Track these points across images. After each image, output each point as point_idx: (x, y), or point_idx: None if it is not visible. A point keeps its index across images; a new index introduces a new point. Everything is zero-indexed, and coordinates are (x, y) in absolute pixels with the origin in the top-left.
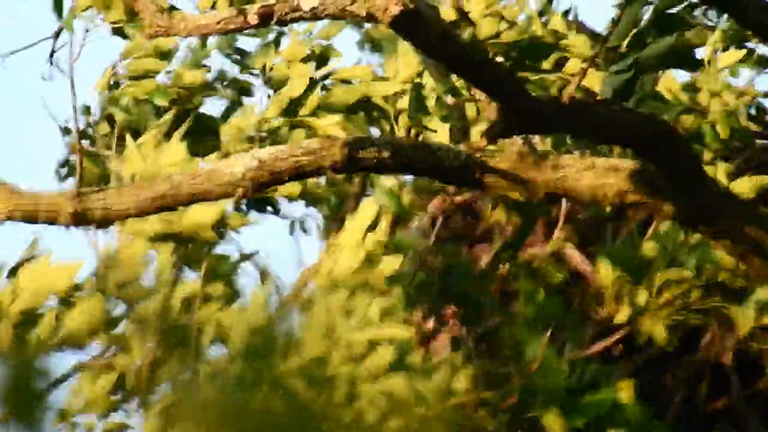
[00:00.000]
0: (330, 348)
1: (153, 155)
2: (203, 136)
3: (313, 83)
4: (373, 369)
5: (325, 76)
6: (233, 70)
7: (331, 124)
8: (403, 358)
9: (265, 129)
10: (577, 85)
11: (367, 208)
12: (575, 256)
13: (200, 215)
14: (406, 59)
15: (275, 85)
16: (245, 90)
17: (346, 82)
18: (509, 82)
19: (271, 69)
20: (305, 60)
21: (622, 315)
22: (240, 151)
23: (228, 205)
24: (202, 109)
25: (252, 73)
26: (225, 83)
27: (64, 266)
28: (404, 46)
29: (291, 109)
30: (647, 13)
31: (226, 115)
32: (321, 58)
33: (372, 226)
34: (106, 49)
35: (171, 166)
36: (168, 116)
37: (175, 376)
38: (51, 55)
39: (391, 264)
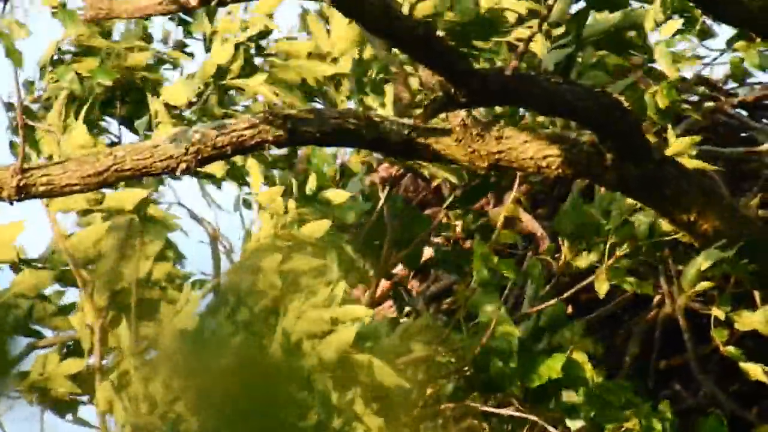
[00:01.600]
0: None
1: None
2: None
3: (238, 47)
4: (334, 346)
5: (252, 39)
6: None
7: (258, 83)
8: (364, 336)
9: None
10: (520, 58)
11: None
12: (528, 219)
13: (125, 196)
14: (344, 32)
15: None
16: (188, 54)
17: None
18: (452, 56)
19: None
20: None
21: (579, 263)
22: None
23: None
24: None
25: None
26: (169, 44)
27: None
28: (341, 19)
29: (219, 75)
30: None
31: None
32: (259, 33)
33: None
34: (50, 26)
35: (78, 148)
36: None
37: (131, 339)
38: None
39: (318, 227)
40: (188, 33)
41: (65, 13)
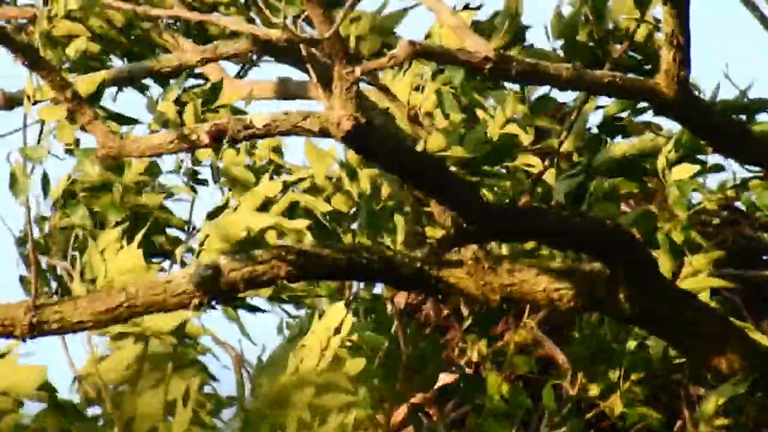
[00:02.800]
0: None
1: (111, 261)
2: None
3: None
4: None
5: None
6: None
7: (300, 227)
8: None
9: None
10: (531, 192)
11: (336, 312)
12: (548, 344)
13: (161, 320)
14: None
15: (228, 183)
16: (202, 180)
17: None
18: (464, 191)
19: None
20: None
21: (593, 391)
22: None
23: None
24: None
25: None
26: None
27: (30, 369)
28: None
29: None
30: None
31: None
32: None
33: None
34: (61, 162)
35: (127, 273)
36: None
37: None
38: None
39: (355, 365)
40: (197, 161)
41: (81, 152)
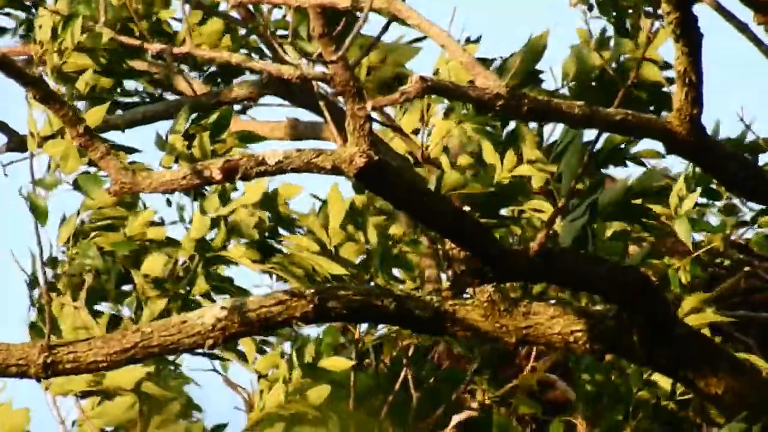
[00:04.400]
0: None
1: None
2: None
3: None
4: None
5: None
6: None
7: (240, 254)
8: None
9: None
10: (546, 236)
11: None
12: (561, 385)
13: (123, 376)
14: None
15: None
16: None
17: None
18: (478, 232)
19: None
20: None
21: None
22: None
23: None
24: None
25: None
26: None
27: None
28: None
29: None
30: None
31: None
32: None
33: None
34: (68, 199)
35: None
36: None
37: None
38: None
39: (319, 393)
40: (203, 212)
41: (88, 180)
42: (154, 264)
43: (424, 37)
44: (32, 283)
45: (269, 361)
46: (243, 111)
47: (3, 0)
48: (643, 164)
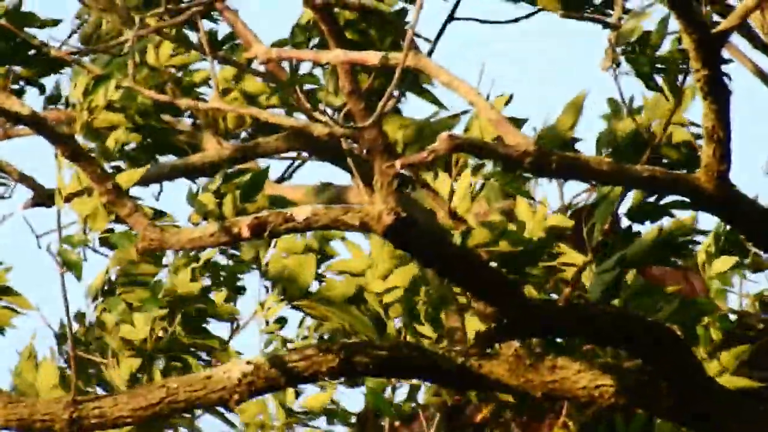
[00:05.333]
0: None
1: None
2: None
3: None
4: None
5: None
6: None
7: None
8: None
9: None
10: (572, 290)
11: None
12: None
13: None
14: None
15: (272, 277)
16: (239, 288)
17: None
18: (503, 287)
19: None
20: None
21: None
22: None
23: None
24: None
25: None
26: (220, 280)
27: None
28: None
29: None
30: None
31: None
32: (321, 251)
33: None
34: (92, 256)
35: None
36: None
37: None
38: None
39: None
40: (239, 264)
41: (120, 236)
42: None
43: (465, 112)
44: (60, 337)
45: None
46: (281, 180)
47: (29, 71)
48: (672, 215)
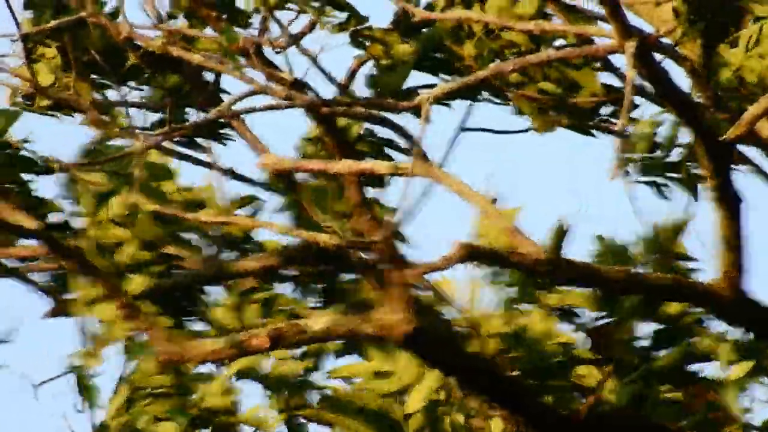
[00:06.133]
0: None
1: None
2: None
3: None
4: None
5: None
6: None
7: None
8: None
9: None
10: (595, 400)
11: None
12: None
13: None
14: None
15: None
16: None
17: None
18: (523, 396)
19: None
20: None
21: None
22: None
23: None
24: None
25: None
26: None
27: None
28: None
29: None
30: None
31: None
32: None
33: None
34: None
35: None
36: None
37: None
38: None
39: None
40: None
41: (137, 346)
42: None
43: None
44: None
45: None
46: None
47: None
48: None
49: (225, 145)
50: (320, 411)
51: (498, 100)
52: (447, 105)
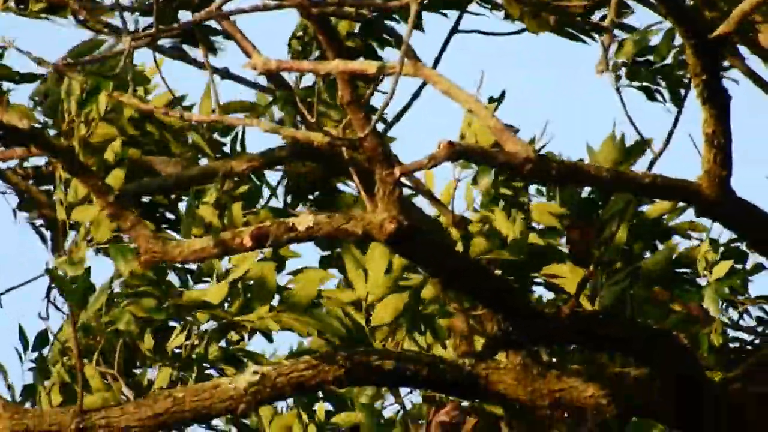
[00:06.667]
0: None
1: None
2: None
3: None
4: None
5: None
6: None
7: (260, 315)
8: None
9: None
10: (576, 299)
11: None
12: None
13: None
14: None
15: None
16: None
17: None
18: (507, 293)
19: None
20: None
21: None
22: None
23: None
24: None
25: None
26: None
27: None
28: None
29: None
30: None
31: None
32: (279, 258)
33: None
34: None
35: None
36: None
37: None
38: (47, 294)
39: None
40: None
41: (117, 250)
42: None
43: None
44: (64, 349)
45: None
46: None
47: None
48: (688, 237)
49: (216, 55)
50: (279, 313)
51: (488, 5)
52: (443, 14)
